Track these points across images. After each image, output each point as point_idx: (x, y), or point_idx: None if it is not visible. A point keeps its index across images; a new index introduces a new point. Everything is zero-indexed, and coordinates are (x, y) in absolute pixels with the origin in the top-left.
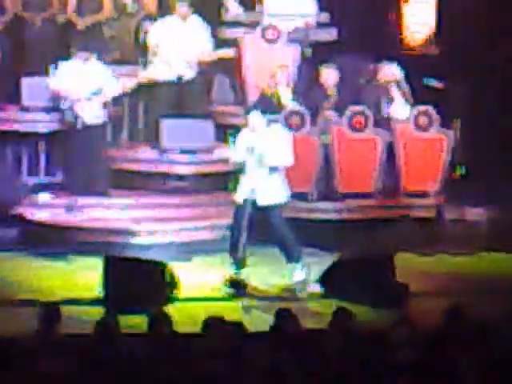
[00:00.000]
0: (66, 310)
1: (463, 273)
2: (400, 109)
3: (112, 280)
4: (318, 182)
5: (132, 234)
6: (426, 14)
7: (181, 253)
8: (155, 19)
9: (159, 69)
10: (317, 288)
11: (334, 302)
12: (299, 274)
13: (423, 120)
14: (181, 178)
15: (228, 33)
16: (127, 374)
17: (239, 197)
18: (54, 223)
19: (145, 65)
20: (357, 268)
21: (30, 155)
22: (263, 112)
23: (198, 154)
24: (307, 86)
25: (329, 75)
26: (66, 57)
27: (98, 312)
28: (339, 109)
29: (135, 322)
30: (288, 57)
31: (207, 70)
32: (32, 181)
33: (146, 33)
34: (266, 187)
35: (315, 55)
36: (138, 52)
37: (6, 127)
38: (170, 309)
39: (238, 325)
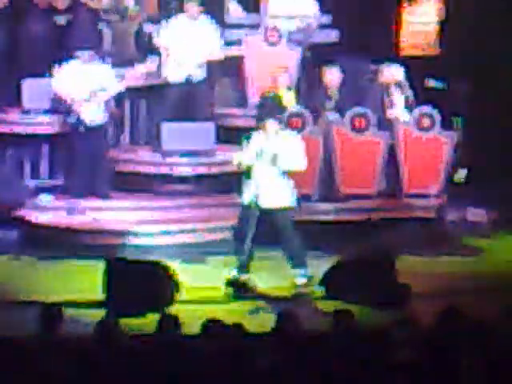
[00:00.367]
0: (67, 311)
1: (464, 274)
2: (401, 110)
3: (113, 282)
4: (320, 184)
5: (133, 235)
6: (428, 14)
7: (182, 255)
8: (156, 21)
9: (170, 70)
10: (318, 289)
11: (335, 303)
12: (302, 278)
13: (425, 121)
14: (182, 180)
15: (230, 35)
16: (128, 376)
17: (245, 199)
18: (56, 225)
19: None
20: (358, 269)
21: (31, 158)
22: (266, 114)
23: (200, 156)
24: (309, 87)
25: (332, 76)
26: (67, 58)
27: (99, 314)
28: (341, 110)
29: (138, 323)
30: (289, 58)
31: (213, 72)
32: (34, 183)
33: (150, 34)
34: (272, 190)
35: (316, 57)
36: (138, 53)
37: (7, 130)
38: (173, 310)
39: (238, 326)
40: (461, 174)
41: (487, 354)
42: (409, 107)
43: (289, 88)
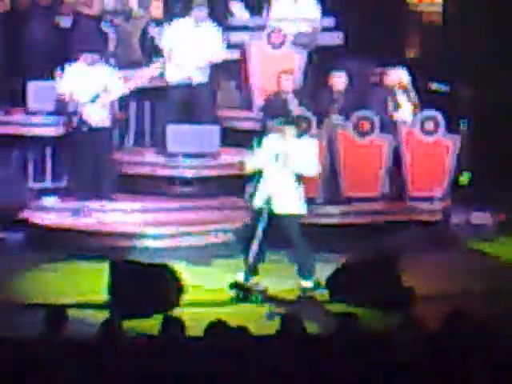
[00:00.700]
0: (72, 313)
1: (469, 276)
2: (407, 113)
3: (118, 284)
4: (324, 186)
5: (137, 237)
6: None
7: (187, 257)
8: (161, 23)
9: (171, 72)
10: (323, 292)
11: (339, 305)
12: (308, 282)
13: (429, 124)
14: (187, 182)
15: (234, 37)
16: (132, 377)
17: (257, 203)
18: (61, 227)
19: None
20: (362, 272)
21: (36, 159)
22: (271, 117)
23: (204, 159)
24: (313, 90)
25: (338, 79)
26: (72, 60)
27: (104, 316)
28: (345, 113)
29: (142, 325)
30: (294, 61)
31: (215, 74)
32: (38, 185)
33: (153, 36)
34: (286, 196)
35: (321, 60)
36: (143, 55)
37: (12, 131)
38: (178, 312)
39: (243, 329)
40: (465, 177)
41: (492, 357)
42: (414, 110)
43: (293, 90)
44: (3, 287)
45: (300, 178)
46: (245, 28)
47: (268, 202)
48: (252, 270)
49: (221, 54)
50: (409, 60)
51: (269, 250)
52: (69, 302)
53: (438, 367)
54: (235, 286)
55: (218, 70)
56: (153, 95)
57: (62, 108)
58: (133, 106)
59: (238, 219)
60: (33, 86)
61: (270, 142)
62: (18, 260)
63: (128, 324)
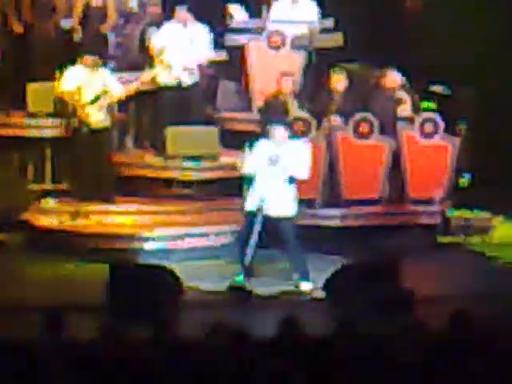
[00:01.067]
0: (70, 315)
1: (469, 278)
2: (409, 111)
3: (117, 286)
4: (324, 189)
5: (136, 239)
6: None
7: (186, 259)
8: (160, 25)
9: (161, 74)
10: (321, 294)
11: (338, 308)
12: (306, 284)
13: (428, 127)
14: (186, 184)
15: (233, 39)
16: (131, 378)
17: (249, 206)
18: (60, 229)
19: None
20: (361, 274)
21: (35, 161)
22: (270, 119)
23: (204, 160)
24: (313, 92)
25: (338, 81)
26: (72, 62)
27: (103, 318)
28: (345, 115)
29: (141, 327)
30: (293, 63)
31: (210, 76)
32: (38, 187)
33: (150, 39)
34: (278, 199)
35: (320, 61)
36: (143, 58)
37: (12, 133)
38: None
39: (242, 330)
40: (465, 179)
41: (493, 358)
42: (416, 108)
43: (293, 92)
44: (2, 289)
45: (292, 180)
46: (244, 30)
47: (261, 205)
48: (249, 272)
49: (209, 54)
50: (408, 61)
51: (267, 252)
52: (67, 304)
53: (437, 370)
54: (234, 288)
55: (216, 71)
56: (150, 97)
57: (62, 110)
58: (131, 107)
59: (238, 221)
60: (32, 88)
61: (262, 146)
62: (18, 262)
63: (127, 326)
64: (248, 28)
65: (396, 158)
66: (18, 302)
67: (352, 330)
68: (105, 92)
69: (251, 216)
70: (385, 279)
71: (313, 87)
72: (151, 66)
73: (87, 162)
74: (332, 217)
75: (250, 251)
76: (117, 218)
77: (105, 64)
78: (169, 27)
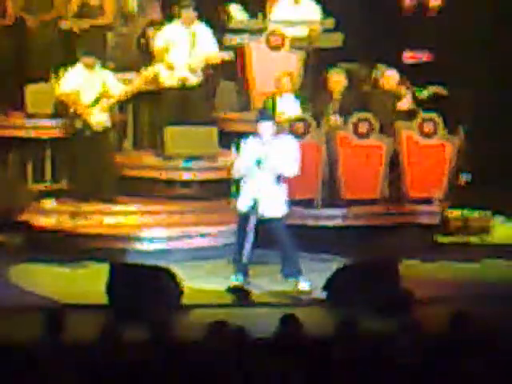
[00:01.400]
0: (71, 315)
1: (468, 279)
2: (407, 103)
3: (117, 286)
4: (323, 189)
5: (136, 240)
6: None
7: (185, 259)
8: (159, 26)
9: (164, 74)
10: (321, 294)
11: (338, 308)
12: (304, 284)
13: (428, 127)
14: (185, 184)
15: (232, 39)
16: (131, 378)
17: (242, 206)
18: (59, 229)
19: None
20: (361, 274)
21: (35, 162)
22: (269, 120)
23: (203, 161)
24: (312, 92)
25: (337, 80)
26: (71, 63)
27: (103, 318)
28: (344, 114)
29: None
30: (293, 63)
31: (211, 76)
32: (37, 187)
33: (149, 39)
34: (270, 199)
35: (320, 61)
36: (141, 58)
37: (11, 134)
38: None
39: (242, 330)
40: (465, 178)
41: (493, 358)
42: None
43: (292, 92)
44: (3, 289)
45: (282, 179)
46: (244, 30)
47: (254, 205)
48: (246, 272)
49: (214, 55)
50: (408, 61)
51: (264, 252)
52: (68, 304)
53: (437, 370)
54: (233, 288)
55: (216, 71)
56: (150, 97)
57: (61, 111)
58: (130, 108)
59: (236, 221)
60: (31, 89)
61: (249, 145)
62: (18, 262)
63: (127, 326)
64: (248, 28)
65: (395, 157)
66: (18, 302)
67: (351, 330)
68: (105, 93)
69: (245, 216)
70: (384, 279)
71: (312, 87)
72: (151, 65)
73: (89, 163)
74: (331, 217)
75: (245, 252)
76: (116, 218)
77: (103, 64)
78: (172, 27)
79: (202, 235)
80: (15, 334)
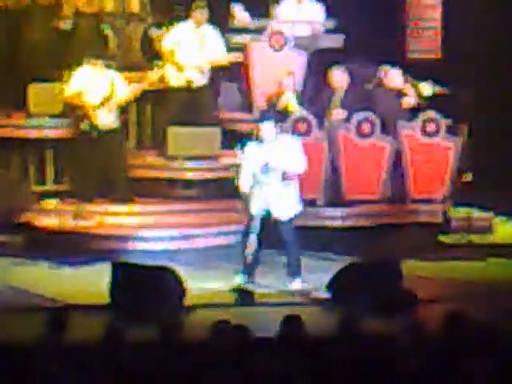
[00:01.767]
0: (73, 316)
1: (469, 279)
2: (412, 98)
3: (120, 286)
4: (326, 188)
5: (139, 240)
6: (432, 19)
7: (188, 259)
8: (162, 26)
9: (172, 74)
10: (324, 294)
11: (340, 308)
12: (297, 283)
13: (430, 126)
14: (188, 184)
15: (235, 39)
16: (133, 378)
17: (254, 209)
18: (62, 230)
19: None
20: (364, 274)
21: (37, 162)
22: (272, 120)
23: (206, 161)
24: (314, 91)
25: (338, 77)
26: (76, 64)
27: (105, 318)
28: (348, 111)
29: (144, 328)
30: (295, 63)
31: (216, 77)
32: (39, 188)
33: (152, 39)
34: (281, 200)
35: (322, 61)
36: (145, 58)
37: (13, 134)
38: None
39: (245, 330)
40: (467, 177)
41: (493, 358)
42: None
43: (294, 92)
44: (4, 289)
45: (290, 179)
46: (246, 30)
47: (266, 209)
48: (251, 272)
49: (222, 56)
50: (409, 61)
51: (270, 251)
52: (70, 304)
53: (439, 370)
54: (237, 289)
55: (220, 72)
56: (154, 98)
57: (66, 111)
58: (133, 108)
59: (240, 221)
60: (33, 89)
61: (252, 151)
62: (20, 263)
63: (130, 327)
64: (250, 28)
65: (398, 157)
66: (20, 302)
67: (354, 330)
68: (113, 94)
69: (256, 219)
70: (387, 279)
71: (314, 87)
72: (159, 66)
73: (96, 165)
74: (334, 217)
75: (252, 252)
76: (119, 218)
77: (107, 65)
78: (182, 28)
79: (205, 235)
80: (17, 334)
